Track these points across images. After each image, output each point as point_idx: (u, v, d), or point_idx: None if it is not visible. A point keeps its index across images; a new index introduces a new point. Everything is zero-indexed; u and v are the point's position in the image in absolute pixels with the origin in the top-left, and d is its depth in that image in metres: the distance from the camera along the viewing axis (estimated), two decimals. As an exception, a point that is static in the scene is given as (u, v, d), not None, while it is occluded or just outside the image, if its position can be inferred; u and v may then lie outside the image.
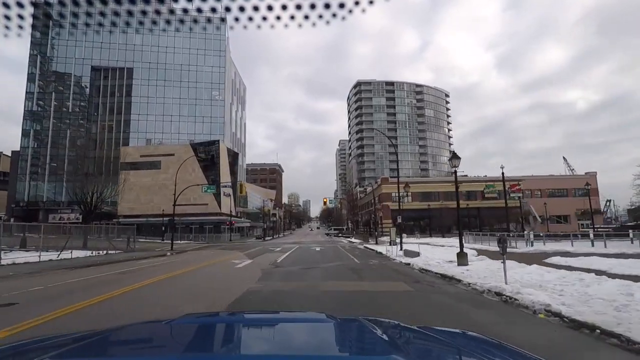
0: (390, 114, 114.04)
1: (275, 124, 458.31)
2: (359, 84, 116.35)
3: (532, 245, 21.66)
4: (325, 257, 19.83)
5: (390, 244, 22.95)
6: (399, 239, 22.04)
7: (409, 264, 15.10)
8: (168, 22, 2.21)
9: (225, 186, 50.77)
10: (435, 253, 19.07)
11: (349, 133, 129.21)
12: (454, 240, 38.49)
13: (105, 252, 21.13)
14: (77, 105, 63.89)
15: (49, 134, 61.12)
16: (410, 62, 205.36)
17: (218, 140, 56.18)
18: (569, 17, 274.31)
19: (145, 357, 1.35)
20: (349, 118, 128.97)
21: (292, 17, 1.98)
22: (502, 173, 31.07)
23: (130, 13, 2.22)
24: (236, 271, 13.71)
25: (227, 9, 1.99)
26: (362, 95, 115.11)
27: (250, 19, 2.00)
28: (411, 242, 27.10)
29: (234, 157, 62.50)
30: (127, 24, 2.23)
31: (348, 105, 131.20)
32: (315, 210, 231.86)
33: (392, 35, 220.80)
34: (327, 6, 1.94)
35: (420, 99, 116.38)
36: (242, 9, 1.97)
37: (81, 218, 57.22)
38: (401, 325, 1.86)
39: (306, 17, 1.98)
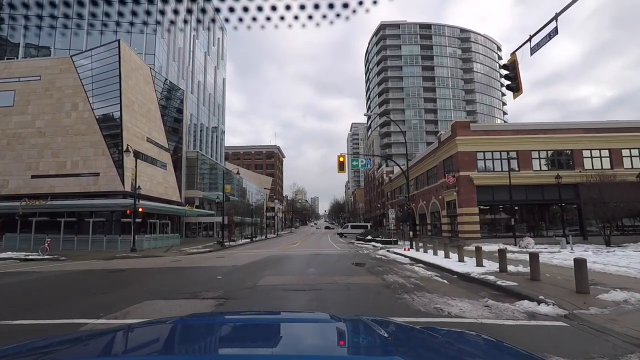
0: (426, 67, 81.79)
1: (283, 122, 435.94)
2: (382, 27, 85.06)
3: None
4: None
5: None
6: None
7: None
8: None
9: (155, 142, 31.28)
10: None
11: (368, 98, 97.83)
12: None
13: None
14: None
15: None
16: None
17: (119, 40, 32.74)
18: (581, 10, 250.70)
19: (150, 357, 1.43)
20: (368, 79, 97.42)
21: (296, 17, 2.07)
22: None
23: None
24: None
25: (231, 9, 2.09)
26: (386, 43, 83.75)
27: (254, 19, 2.08)
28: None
29: (169, 92, 40.71)
30: None
31: (366, 61, 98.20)
32: (324, 206, 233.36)
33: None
34: (330, 6, 2.03)
35: (467, 48, 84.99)
36: (245, 9, 2.06)
37: None
38: (405, 326, 2.00)
39: (310, 17, 2.07)
